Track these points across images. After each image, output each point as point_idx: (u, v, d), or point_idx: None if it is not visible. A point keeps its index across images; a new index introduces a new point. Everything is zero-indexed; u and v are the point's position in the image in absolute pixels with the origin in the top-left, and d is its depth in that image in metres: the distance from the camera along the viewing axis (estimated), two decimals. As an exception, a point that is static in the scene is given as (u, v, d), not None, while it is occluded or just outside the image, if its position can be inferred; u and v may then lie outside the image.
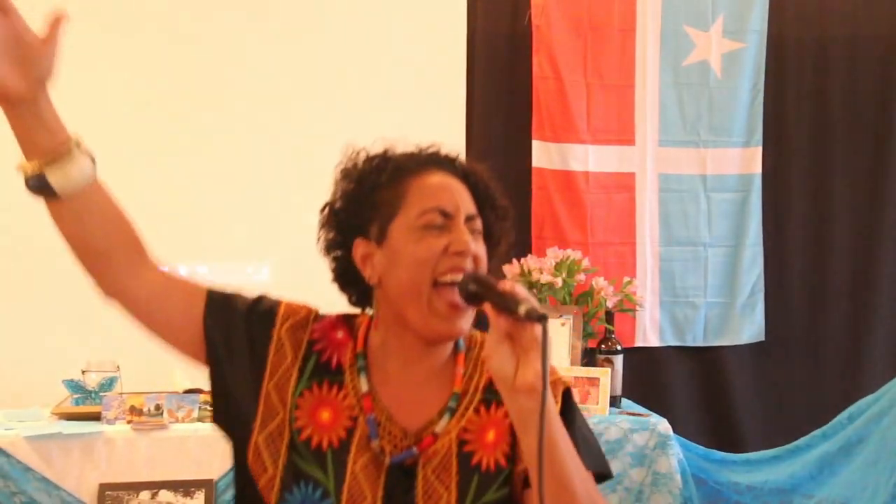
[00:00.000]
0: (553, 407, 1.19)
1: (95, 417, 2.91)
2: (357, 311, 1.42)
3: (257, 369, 1.30)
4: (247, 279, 3.69)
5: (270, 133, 3.70)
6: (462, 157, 1.42)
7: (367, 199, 1.34)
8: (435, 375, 1.33)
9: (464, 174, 1.37)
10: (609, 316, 3.33)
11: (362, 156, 1.44)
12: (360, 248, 1.34)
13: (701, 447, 3.27)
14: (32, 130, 1.28)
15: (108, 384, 3.06)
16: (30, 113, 1.28)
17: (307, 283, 4.02)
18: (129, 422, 2.89)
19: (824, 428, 2.93)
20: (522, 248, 3.70)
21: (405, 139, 1.46)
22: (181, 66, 3.62)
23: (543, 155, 3.81)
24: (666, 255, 3.87)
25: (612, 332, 3.31)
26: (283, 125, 3.70)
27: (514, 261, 3.49)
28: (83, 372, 3.07)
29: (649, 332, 3.85)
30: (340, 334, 1.36)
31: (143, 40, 3.60)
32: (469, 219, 1.32)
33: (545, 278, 3.39)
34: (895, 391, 2.74)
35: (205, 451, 2.89)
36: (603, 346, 3.28)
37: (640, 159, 3.86)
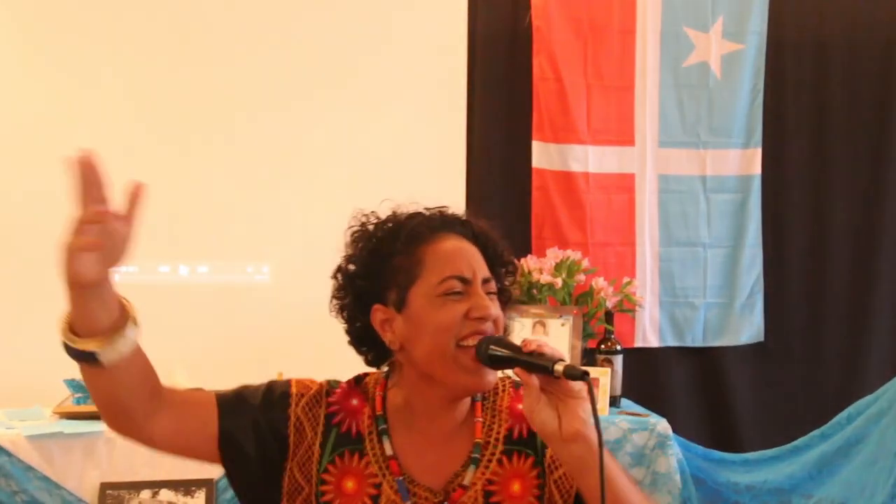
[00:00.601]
0: (600, 446, 1.20)
1: (97, 417, 2.90)
2: (368, 369, 1.45)
3: (280, 451, 1.34)
4: (247, 279, 3.69)
5: (270, 133, 3.70)
6: (466, 216, 1.45)
7: (383, 268, 1.37)
8: (457, 429, 1.36)
9: (474, 236, 1.40)
10: (609, 316, 3.34)
11: (372, 220, 1.45)
12: (378, 313, 1.36)
13: (700, 447, 3.28)
14: (93, 311, 1.27)
15: (109, 384, 3.07)
16: (94, 295, 1.26)
17: (307, 283, 4.03)
18: (129, 421, 2.89)
19: (823, 428, 2.94)
20: (523, 248, 3.71)
21: (409, 195, 1.51)
22: (181, 67, 3.63)
23: (543, 155, 3.81)
24: (665, 255, 3.88)
25: (611, 332, 3.32)
26: (283, 125, 3.71)
27: (514, 261, 3.49)
28: (84, 371, 3.08)
29: (649, 332, 3.86)
30: (356, 402, 1.39)
31: (144, 40, 3.61)
32: (485, 281, 1.36)
33: (545, 278, 3.40)
34: (894, 391, 2.74)
35: (205, 450, 2.89)
36: (602, 346, 3.29)
37: (639, 160, 3.87)
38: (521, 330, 3.43)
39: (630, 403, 3.35)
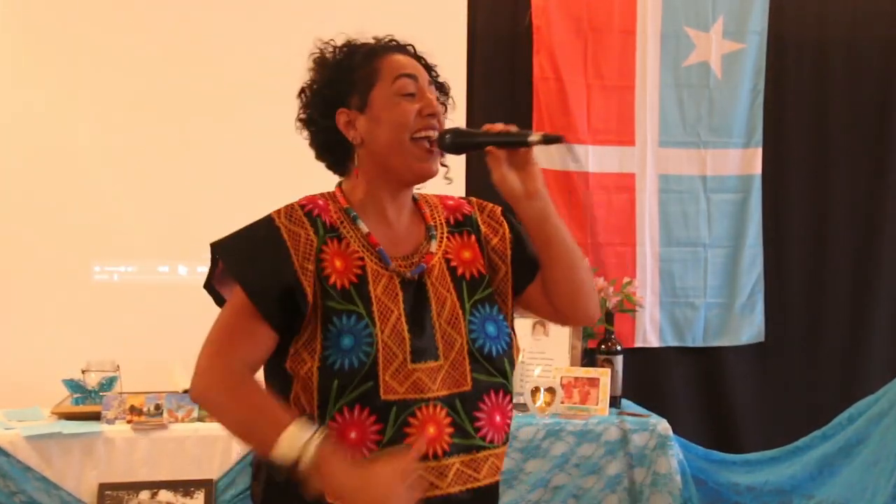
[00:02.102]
0: (551, 202, 1.55)
1: (95, 417, 2.91)
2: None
3: (289, 264, 1.51)
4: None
5: (271, 133, 3.69)
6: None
7: (345, 78, 1.61)
8: (409, 215, 1.64)
9: (416, 56, 1.67)
10: (609, 316, 3.34)
11: (329, 48, 1.71)
12: (342, 116, 1.60)
13: (700, 448, 3.27)
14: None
15: (108, 384, 3.06)
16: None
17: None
18: (128, 421, 2.89)
19: (824, 428, 2.93)
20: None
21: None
22: (180, 67, 3.62)
23: (543, 155, 3.80)
24: (666, 255, 3.88)
25: (612, 332, 3.31)
26: (282, 125, 3.68)
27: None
28: (83, 372, 3.08)
29: (649, 332, 3.85)
30: (321, 201, 1.64)
31: (143, 41, 3.60)
32: (430, 85, 1.64)
33: (545, 279, 3.39)
34: (894, 392, 2.74)
35: (205, 451, 2.89)
36: (603, 346, 3.29)
37: (640, 160, 3.87)
38: (521, 330, 3.43)
39: (630, 404, 3.34)
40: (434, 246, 1.61)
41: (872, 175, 3.98)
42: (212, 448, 2.90)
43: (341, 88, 1.61)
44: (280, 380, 1.53)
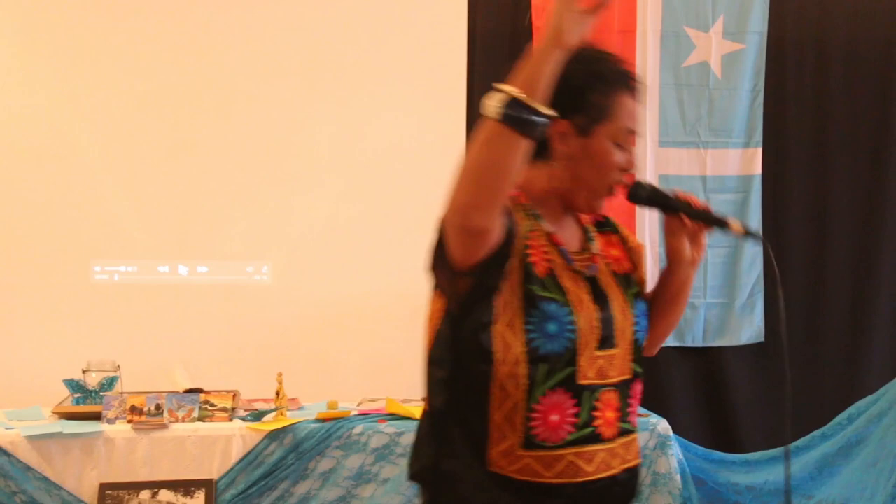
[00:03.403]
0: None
1: (96, 417, 2.92)
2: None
3: (509, 242, 1.55)
4: (247, 279, 3.69)
5: (270, 134, 3.70)
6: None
7: (580, 96, 1.60)
8: (571, 219, 1.71)
9: (637, 89, 1.68)
10: (609, 316, 3.34)
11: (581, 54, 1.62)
12: (561, 126, 1.59)
13: (700, 447, 3.27)
14: (551, 81, 1.41)
15: (109, 384, 3.07)
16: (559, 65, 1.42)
17: (307, 283, 4.05)
18: (129, 421, 2.90)
19: (824, 428, 2.94)
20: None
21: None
22: (181, 67, 3.63)
23: (543, 155, 3.81)
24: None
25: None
26: (283, 125, 3.71)
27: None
28: (84, 371, 3.08)
29: (649, 332, 3.85)
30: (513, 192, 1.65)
31: (144, 41, 3.61)
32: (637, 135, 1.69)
33: (545, 279, 3.40)
34: (894, 392, 2.74)
35: (205, 450, 2.89)
36: (603, 346, 3.29)
37: (640, 160, 3.85)
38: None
39: (630, 404, 3.34)
40: (595, 247, 1.70)
41: (872, 175, 3.98)
42: (212, 448, 2.90)
43: (572, 104, 1.59)
44: (478, 361, 1.55)
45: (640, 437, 3.00)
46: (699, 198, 1.75)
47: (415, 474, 1.64)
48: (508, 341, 1.53)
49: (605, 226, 1.77)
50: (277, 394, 3.02)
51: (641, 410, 3.23)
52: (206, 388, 3.09)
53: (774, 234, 3.96)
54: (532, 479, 1.53)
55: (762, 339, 3.92)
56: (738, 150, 3.91)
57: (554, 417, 1.55)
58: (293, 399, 3.18)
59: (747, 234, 1.63)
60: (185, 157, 3.64)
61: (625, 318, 1.65)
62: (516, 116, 1.37)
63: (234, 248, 3.68)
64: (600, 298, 1.63)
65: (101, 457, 2.83)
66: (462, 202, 1.44)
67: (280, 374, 3.04)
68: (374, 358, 3.64)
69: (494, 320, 1.54)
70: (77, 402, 3.04)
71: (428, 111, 3.73)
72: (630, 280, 1.73)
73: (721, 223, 1.64)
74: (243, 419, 3.01)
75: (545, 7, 3.78)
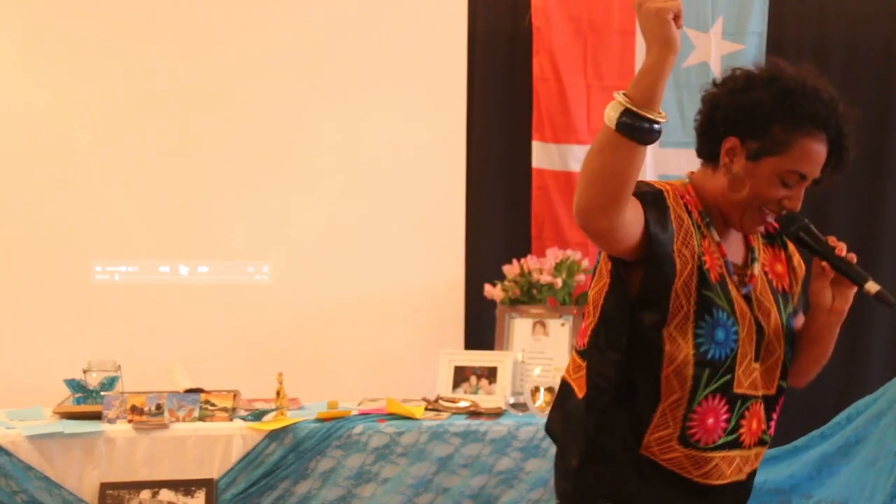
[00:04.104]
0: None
1: (96, 417, 2.92)
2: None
3: (669, 239, 1.61)
4: (247, 279, 3.70)
5: (271, 133, 3.71)
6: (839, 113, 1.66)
7: (763, 124, 1.64)
8: (737, 233, 1.73)
9: (833, 141, 1.66)
10: (609, 316, 3.33)
11: (787, 72, 1.72)
12: (731, 143, 1.67)
13: (700, 447, 3.27)
14: (663, 85, 1.47)
15: (110, 383, 3.07)
16: (671, 68, 1.47)
17: (307, 283, 4.05)
18: (130, 421, 2.90)
19: (823, 428, 2.94)
20: (523, 248, 3.71)
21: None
22: (181, 67, 3.63)
23: (543, 155, 3.81)
24: (666, 255, 3.87)
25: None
26: (283, 125, 3.71)
27: (514, 261, 3.50)
28: (84, 371, 3.08)
29: (649, 332, 3.85)
30: (688, 197, 1.70)
31: (144, 40, 3.61)
32: (813, 182, 1.70)
33: (545, 278, 3.40)
34: (894, 391, 2.74)
35: (206, 450, 2.89)
36: (602, 346, 3.28)
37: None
38: (520, 329, 3.44)
39: (630, 403, 3.35)
40: (757, 268, 1.73)
41: (872, 175, 3.98)
42: (212, 448, 2.90)
43: (752, 127, 1.65)
44: (646, 359, 1.62)
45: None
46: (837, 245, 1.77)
47: (566, 447, 1.71)
48: (679, 343, 1.60)
49: (776, 238, 1.80)
50: (278, 394, 3.02)
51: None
52: (206, 388, 3.10)
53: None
54: (679, 473, 1.63)
55: (762, 338, 3.92)
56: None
57: (710, 421, 1.64)
58: (293, 399, 3.19)
59: (880, 298, 1.66)
60: (186, 158, 3.65)
61: (777, 335, 1.71)
62: (630, 125, 1.43)
63: (234, 248, 3.69)
64: (759, 312, 1.68)
65: (101, 456, 2.83)
66: (582, 205, 1.49)
67: (280, 374, 3.04)
68: (374, 358, 3.64)
69: (668, 321, 1.60)
70: (78, 401, 3.04)
71: (428, 111, 3.73)
72: (788, 298, 1.77)
73: (857, 279, 1.68)
74: (244, 419, 3.02)
75: (545, 7, 3.78)
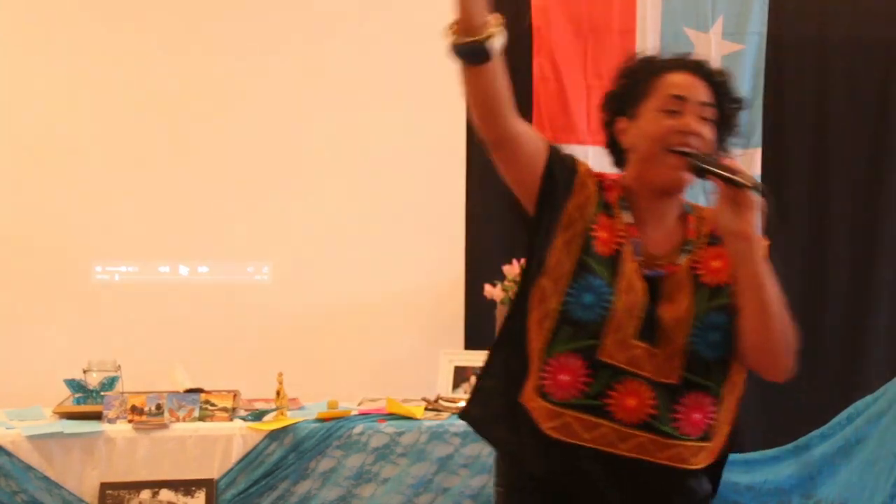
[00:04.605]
0: (760, 248, 1.66)
1: (97, 417, 2.92)
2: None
3: (565, 193, 1.72)
4: (247, 279, 3.70)
5: (271, 134, 3.71)
6: (710, 63, 1.79)
7: (629, 90, 1.79)
8: (671, 226, 1.78)
9: (707, 75, 1.76)
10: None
11: (634, 59, 1.86)
12: (620, 124, 1.79)
13: (700, 447, 3.27)
14: (480, 9, 1.60)
15: (110, 383, 3.07)
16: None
17: (307, 283, 4.05)
18: (130, 421, 2.90)
19: (823, 428, 2.94)
20: (523, 248, 3.70)
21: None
22: (181, 67, 3.63)
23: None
24: (666, 255, 3.87)
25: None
26: (284, 126, 3.71)
27: (514, 261, 3.49)
28: (84, 371, 3.08)
29: (649, 332, 3.85)
30: (611, 181, 1.79)
31: (147, 41, 3.61)
32: (702, 105, 1.73)
33: (545, 279, 3.40)
34: (894, 391, 2.74)
35: (205, 450, 2.90)
36: (603, 346, 3.28)
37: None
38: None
39: (630, 403, 3.34)
40: (682, 259, 1.74)
41: (872, 175, 3.98)
42: (212, 447, 2.90)
43: (624, 100, 1.79)
44: (519, 311, 1.72)
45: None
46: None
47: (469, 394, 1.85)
48: (549, 295, 1.67)
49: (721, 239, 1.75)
50: (278, 394, 3.02)
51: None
52: (206, 388, 3.10)
53: (773, 235, 3.95)
54: (537, 424, 1.66)
55: (762, 339, 3.91)
56: (738, 150, 3.90)
57: (564, 377, 1.66)
58: (293, 399, 3.19)
59: (755, 186, 1.63)
60: (186, 158, 3.65)
61: (680, 324, 1.68)
62: (461, 54, 1.61)
63: (234, 248, 3.69)
64: (658, 295, 1.68)
65: (101, 456, 2.84)
66: (472, 120, 1.66)
67: (280, 374, 3.04)
68: (374, 358, 3.64)
69: (546, 272, 1.68)
70: (78, 401, 3.05)
71: (428, 111, 3.73)
72: (720, 291, 1.72)
73: (733, 180, 1.63)
74: (244, 419, 3.02)
75: (545, 7, 3.78)
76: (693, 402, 1.69)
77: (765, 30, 3.90)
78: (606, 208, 1.74)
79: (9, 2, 3.58)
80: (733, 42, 3.89)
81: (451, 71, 1.71)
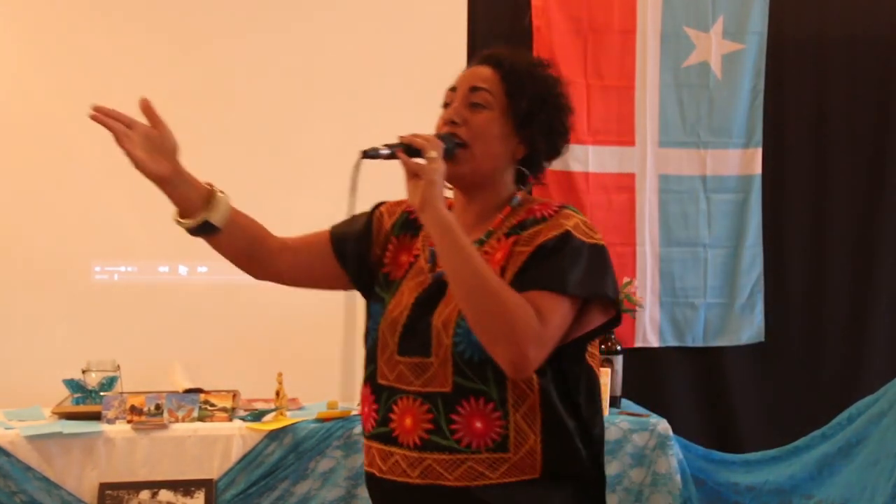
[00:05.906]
0: (446, 221, 1.53)
1: (96, 417, 2.92)
2: None
3: (367, 241, 1.73)
4: (247, 279, 3.68)
5: (270, 133, 3.70)
6: (511, 52, 1.76)
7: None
8: (480, 220, 1.68)
9: (497, 63, 1.70)
10: (609, 316, 3.33)
11: None
12: None
13: (700, 447, 3.27)
14: (186, 193, 1.69)
15: (109, 384, 3.07)
16: (179, 181, 1.71)
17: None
18: (129, 421, 2.90)
19: (824, 428, 2.93)
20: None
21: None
22: (182, 67, 3.63)
23: (546, 156, 3.81)
24: (666, 255, 3.88)
25: (611, 332, 3.31)
26: (283, 126, 3.71)
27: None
28: (83, 371, 3.08)
29: (649, 332, 3.85)
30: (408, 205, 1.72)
31: (146, 40, 3.61)
32: (472, 90, 1.68)
33: (545, 279, 3.39)
34: (894, 392, 2.74)
35: (205, 450, 2.89)
36: (603, 346, 3.29)
37: (640, 160, 3.87)
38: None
39: (630, 404, 3.35)
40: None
41: (872, 175, 3.98)
42: (212, 448, 2.90)
43: None
44: None
45: (641, 437, 3.05)
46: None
47: None
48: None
49: (527, 227, 1.62)
50: (277, 394, 3.02)
51: (641, 410, 3.25)
52: (206, 388, 3.09)
53: (774, 235, 3.96)
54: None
55: (762, 339, 3.92)
56: (738, 150, 3.91)
57: (364, 409, 1.67)
58: (293, 399, 3.18)
59: (403, 144, 1.61)
60: (186, 157, 3.63)
61: (445, 328, 1.54)
62: (192, 233, 1.75)
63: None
64: (430, 304, 1.58)
65: (100, 457, 2.83)
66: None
67: (280, 374, 3.04)
68: (374, 358, 3.64)
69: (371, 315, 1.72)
70: (77, 401, 3.04)
71: (428, 111, 3.72)
72: None
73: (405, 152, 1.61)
74: (243, 419, 3.01)
75: (545, 7, 3.78)
76: (470, 409, 1.52)
77: (765, 29, 3.89)
78: (411, 227, 1.71)
79: (9, 2, 3.58)
80: (733, 42, 3.89)
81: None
